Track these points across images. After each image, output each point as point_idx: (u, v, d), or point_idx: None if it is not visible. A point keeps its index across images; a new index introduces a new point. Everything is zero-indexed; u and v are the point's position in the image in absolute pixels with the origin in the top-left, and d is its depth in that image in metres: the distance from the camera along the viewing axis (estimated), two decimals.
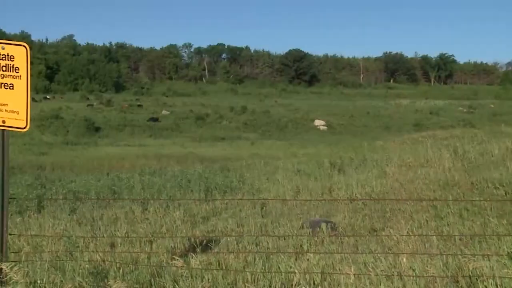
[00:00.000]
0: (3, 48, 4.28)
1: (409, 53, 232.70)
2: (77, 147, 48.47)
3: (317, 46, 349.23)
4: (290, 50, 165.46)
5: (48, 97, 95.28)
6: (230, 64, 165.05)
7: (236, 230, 8.86)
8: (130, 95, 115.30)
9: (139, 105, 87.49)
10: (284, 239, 7.63)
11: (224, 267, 6.09)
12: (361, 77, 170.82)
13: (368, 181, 13.21)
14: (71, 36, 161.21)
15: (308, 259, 6.13)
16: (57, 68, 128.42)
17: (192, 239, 7.82)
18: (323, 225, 8.13)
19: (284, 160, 26.23)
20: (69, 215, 11.05)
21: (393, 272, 5.34)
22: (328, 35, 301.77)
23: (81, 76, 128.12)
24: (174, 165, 27.84)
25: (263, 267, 6.01)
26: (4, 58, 4.29)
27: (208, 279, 5.59)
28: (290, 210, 10.53)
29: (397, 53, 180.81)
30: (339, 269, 5.69)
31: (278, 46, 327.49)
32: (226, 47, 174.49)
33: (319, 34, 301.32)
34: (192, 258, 6.28)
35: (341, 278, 5.19)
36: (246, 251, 6.78)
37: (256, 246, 7.40)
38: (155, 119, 70.08)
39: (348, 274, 5.11)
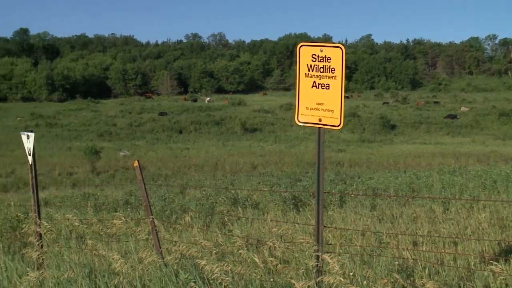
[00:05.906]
0: (321, 51, 4.57)
1: None
2: (372, 144, 49.70)
3: None
4: None
5: (347, 95, 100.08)
6: None
7: None
8: (426, 92, 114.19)
9: (435, 102, 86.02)
10: None
11: None
12: None
13: None
14: (369, 35, 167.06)
15: None
16: (355, 68, 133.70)
17: (503, 244, 7.27)
18: None
19: None
20: (370, 211, 11.32)
21: None
22: None
23: (378, 75, 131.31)
24: (474, 164, 26.39)
25: None
26: (322, 60, 4.57)
27: None
28: None
29: None
30: None
31: None
32: None
33: None
34: (505, 264, 5.83)
35: None
36: None
37: None
38: (453, 116, 67.93)
39: None
